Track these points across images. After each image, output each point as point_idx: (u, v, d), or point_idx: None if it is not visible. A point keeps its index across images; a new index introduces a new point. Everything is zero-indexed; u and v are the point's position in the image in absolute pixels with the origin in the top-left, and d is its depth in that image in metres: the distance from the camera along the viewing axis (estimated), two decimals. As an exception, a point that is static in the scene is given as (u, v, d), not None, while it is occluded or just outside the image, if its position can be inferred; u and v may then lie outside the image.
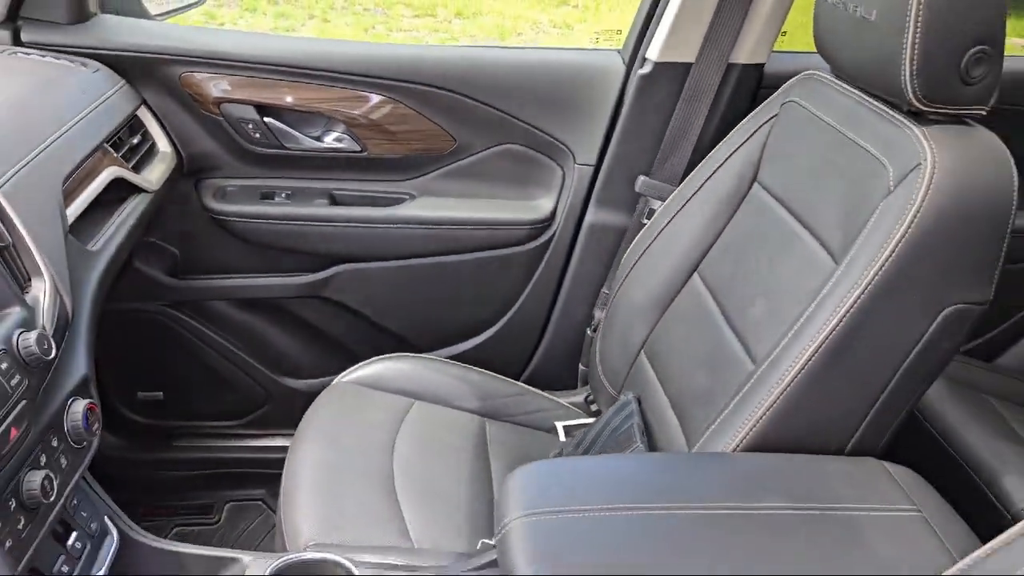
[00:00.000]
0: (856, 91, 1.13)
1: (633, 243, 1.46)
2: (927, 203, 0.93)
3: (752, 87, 1.47)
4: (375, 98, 1.50)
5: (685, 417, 1.19)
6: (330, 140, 1.53)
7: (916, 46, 0.95)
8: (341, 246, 1.57)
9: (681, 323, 1.32)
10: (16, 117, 1.07)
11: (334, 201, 1.57)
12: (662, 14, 1.43)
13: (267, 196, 1.55)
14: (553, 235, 1.60)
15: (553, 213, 1.60)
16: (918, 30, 0.94)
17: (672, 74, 1.45)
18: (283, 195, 1.55)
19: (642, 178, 1.51)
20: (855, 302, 0.95)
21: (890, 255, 0.94)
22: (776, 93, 1.29)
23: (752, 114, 1.31)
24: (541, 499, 0.87)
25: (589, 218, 1.58)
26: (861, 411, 1.00)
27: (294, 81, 1.46)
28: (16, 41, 1.34)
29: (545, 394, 1.56)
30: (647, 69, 1.46)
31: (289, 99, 1.47)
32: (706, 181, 1.34)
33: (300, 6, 7.00)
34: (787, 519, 0.86)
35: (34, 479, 0.80)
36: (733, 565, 0.81)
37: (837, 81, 1.18)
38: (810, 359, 0.97)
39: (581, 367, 1.67)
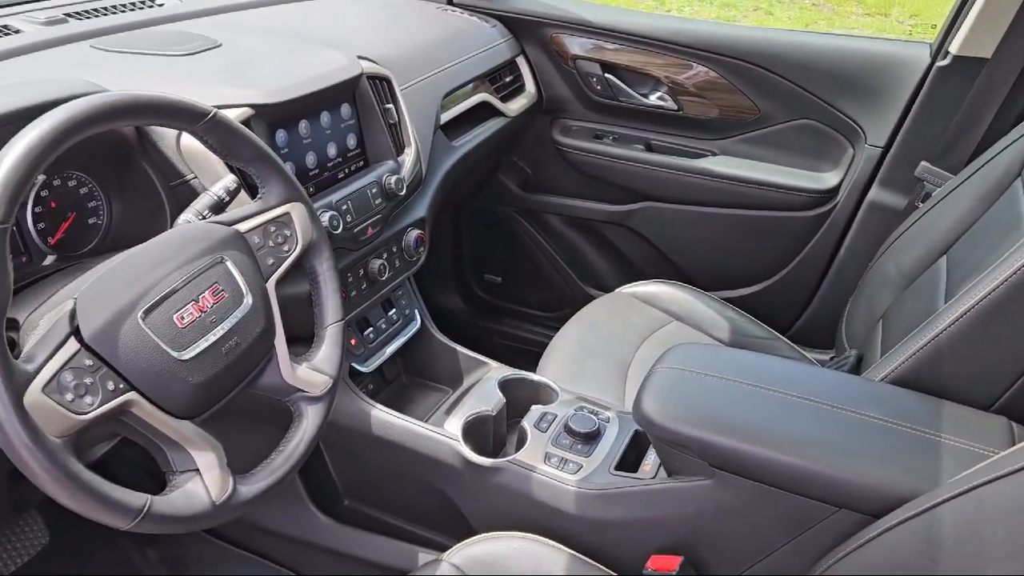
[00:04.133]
0: None
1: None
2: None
3: (1058, 88, 1.48)
4: (696, 67, 1.80)
5: None
6: (654, 98, 1.87)
7: None
8: (649, 185, 1.91)
9: (911, 296, 1.43)
10: (427, 50, 1.61)
11: (649, 148, 1.91)
12: (970, 10, 1.51)
13: (598, 137, 1.95)
14: (834, 207, 1.76)
15: (837, 187, 1.75)
16: None
17: (967, 68, 1.52)
18: (611, 138, 1.94)
19: (923, 163, 1.60)
20: (1018, 268, 1.03)
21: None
22: None
23: None
24: (681, 361, 1.14)
25: (871, 196, 1.71)
26: (1009, 376, 1.07)
27: (633, 47, 1.83)
28: (450, 2, 1.91)
29: (795, 346, 1.74)
30: (946, 62, 1.56)
31: (627, 61, 1.85)
32: (976, 172, 1.42)
33: (748, -3, 7.23)
34: (870, 424, 1.03)
35: (375, 263, 1.31)
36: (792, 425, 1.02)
37: None
38: (965, 313, 1.06)
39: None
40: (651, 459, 1.20)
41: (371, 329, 1.38)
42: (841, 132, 1.74)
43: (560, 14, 1.86)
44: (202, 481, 0.81)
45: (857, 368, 1.47)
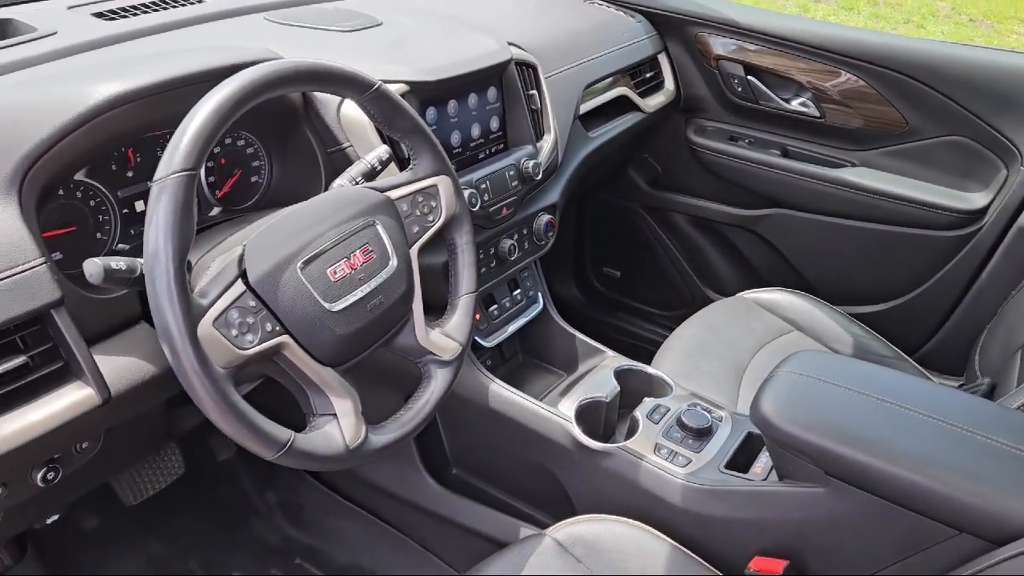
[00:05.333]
0: None
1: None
2: None
3: None
4: (844, 75, 1.75)
5: None
6: (796, 104, 1.84)
7: None
8: (781, 192, 1.88)
9: (1058, 327, 1.36)
10: (572, 40, 1.65)
11: (785, 154, 1.88)
12: None
13: (734, 139, 1.93)
14: (980, 229, 1.68)
15: (985, 208, 1.68)
16: None
17: None
18: (746, 141, 1.92)
19: (1083, 191, 1.52)
20: None
21: None
22: None
23: None
24: (805, 368, 1.13)
25: (1022, 221, 1.63)
26: None
27: (779, 51, 1.80)
28: (597, -6, 1.94)
29: (921, 368, 1.68)
30: (1120, 82, 1.46)
31: (771, 64, 1.82)
32: None
33: (899, 9, 6.94)
34: (1002, 450, 0.99)
35: (506, 243, 1.36)
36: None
37: None
38: None
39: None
40: (763, 462, 1.20)
41: (495, 306, 1.43)
42: (995, 152, 1.67)
43: (707, 13, 1.85)
44: (339, 425, 0.87)
45: (989, 397, 1.42)
